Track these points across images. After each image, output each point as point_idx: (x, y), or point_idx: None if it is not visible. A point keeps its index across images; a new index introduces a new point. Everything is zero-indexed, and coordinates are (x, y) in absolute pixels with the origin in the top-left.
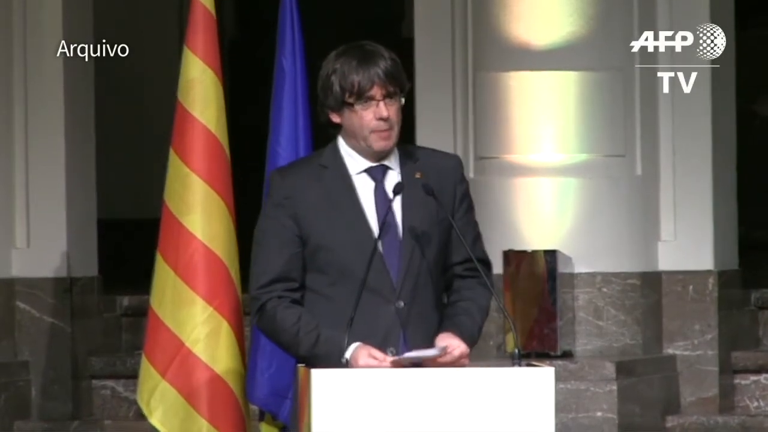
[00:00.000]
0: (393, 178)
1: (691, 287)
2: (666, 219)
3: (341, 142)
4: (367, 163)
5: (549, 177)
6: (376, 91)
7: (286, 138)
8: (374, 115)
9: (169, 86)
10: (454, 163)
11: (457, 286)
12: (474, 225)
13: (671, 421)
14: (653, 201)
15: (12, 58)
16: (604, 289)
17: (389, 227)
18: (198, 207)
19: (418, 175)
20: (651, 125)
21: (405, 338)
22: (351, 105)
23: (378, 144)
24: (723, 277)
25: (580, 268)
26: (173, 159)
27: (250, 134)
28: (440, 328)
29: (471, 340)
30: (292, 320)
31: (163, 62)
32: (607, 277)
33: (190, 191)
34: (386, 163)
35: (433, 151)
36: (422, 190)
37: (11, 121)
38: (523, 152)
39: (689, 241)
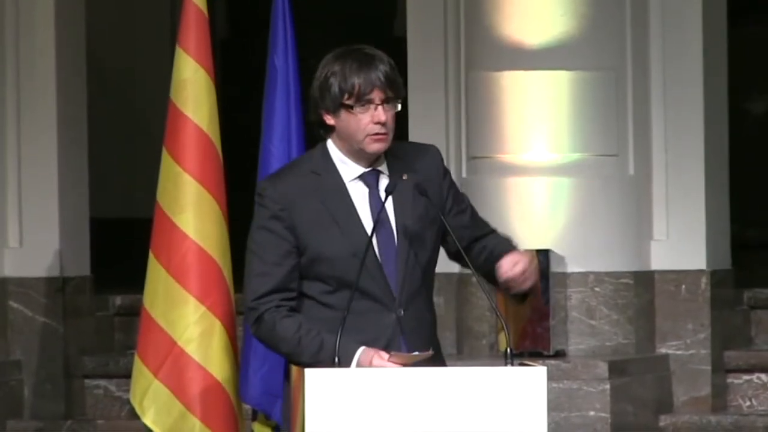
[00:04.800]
0: (385, 182)
1: (683, 286)
2: (659, 218)
3: (331, 146)
4: (360, 169)
5: (542, 176)
6: (376, 95)
7: (279, 137)
8: (372, 118)
9: (162, 85)
10: (433, 157)
11: (481, 248)
12: (467, 204)
13: (664, 421)
14: (646, 200)
15: (4, 57)
16: (597, 289)
17: (385, 233)
18: (190, 206)
19: (404, 177)
20: (643, 125)
21: (406, 344)
22: (349, 107)
23: (372, 146)
24: (716, 276)
25: (572, 267)
26: (166, 158)
27: (242, 134)
28: (432, 332)
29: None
30: (293, 329)
31: (156, 61)
32: (599, 277)
33: (182, 191)
34: (377, 167)
35: (412, 145)
36: (411, 192)
37: (3, 120)
38: (515, 152)
39: (682, 241)
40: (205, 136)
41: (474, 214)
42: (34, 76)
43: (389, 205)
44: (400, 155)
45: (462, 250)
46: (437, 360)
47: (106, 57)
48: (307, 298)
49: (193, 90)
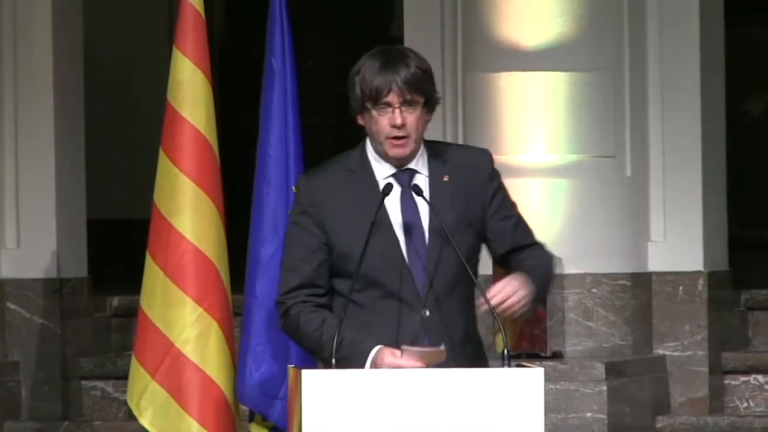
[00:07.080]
0: (420, 181)
1: (680, 288)
2: (656, 219)
3: (368, 145)
4: (393, 169)
5: (539, 178)
6: (393, 98)
7: (276, 138)
8: (389, 121)
9: (160, 87)
10: (484, 160)
11: (516, 260)
12: (514, 212)
13: (661, 422)
14: (643, 201)
15: (1, 58)
16: (594, 290)
17: (416, 233)
18: (187, 208)
19: (446, 178)
20: (641, 126)
21: (430, 345)
22: (369, 109)
23: (392, 151)
24: (713, 277)
25: (569, 268)
26: (163, 160)
27: (239, 135)
28: (465, 333)
29: (537, 284)
30: (315, 324)
31: (153, 63)
32: (597, 278)
33: (179, 192)
34: (413, 166)
35: (462, 147)
36: (449, 193)
37: (1, 121)
38: (512, 153)
39: (679, 242)
40: (202, 138)
41: (519, 223)
42: (32, 76)
43: (424, 206)
44: (445, 156)
45: (501, 257)
46: (479, 360)
47: (103, 57)
48: (339, 295)
49: (190, 91)
